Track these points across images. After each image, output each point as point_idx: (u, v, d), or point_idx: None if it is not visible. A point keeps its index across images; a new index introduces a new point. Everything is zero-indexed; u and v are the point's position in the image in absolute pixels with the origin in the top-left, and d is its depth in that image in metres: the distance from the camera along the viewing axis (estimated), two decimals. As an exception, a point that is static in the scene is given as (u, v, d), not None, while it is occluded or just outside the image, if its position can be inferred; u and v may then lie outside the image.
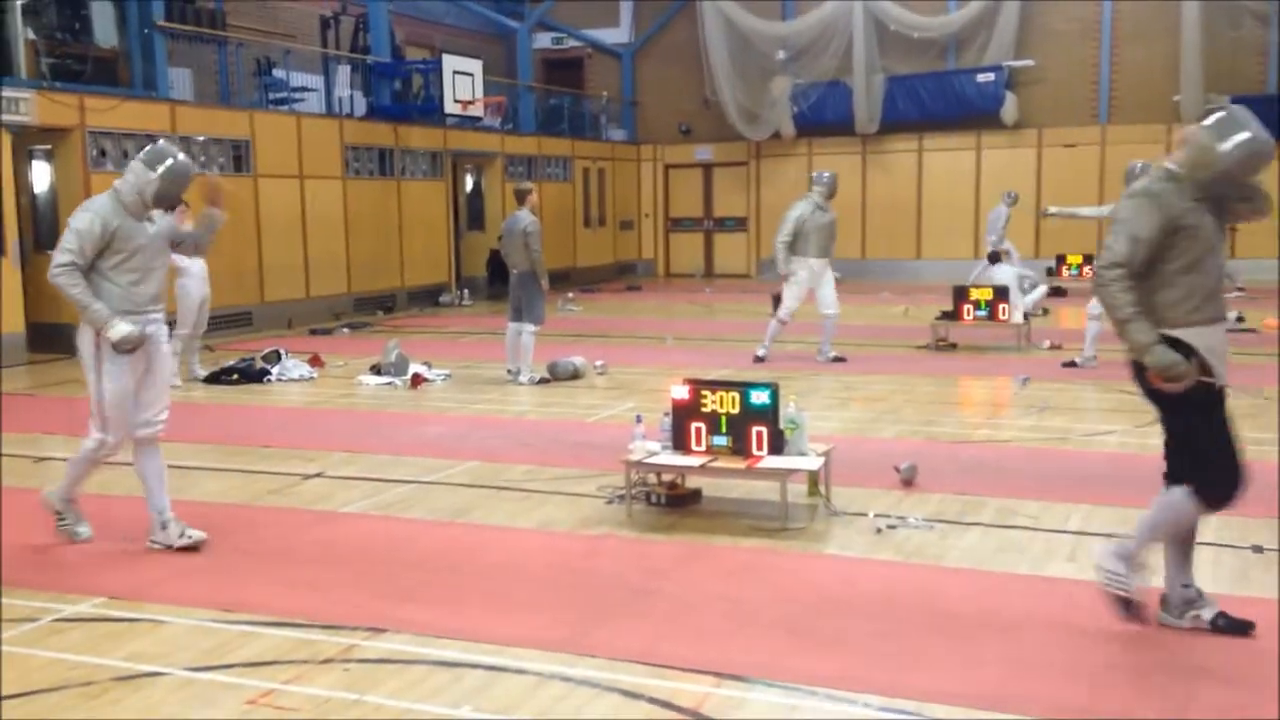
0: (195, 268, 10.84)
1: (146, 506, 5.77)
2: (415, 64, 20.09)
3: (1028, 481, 6.89)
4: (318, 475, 7.42)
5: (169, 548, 5.70)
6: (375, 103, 18.75)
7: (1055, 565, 5.35)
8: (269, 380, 11.35)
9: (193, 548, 5.71)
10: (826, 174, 11.87)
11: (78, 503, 5.94)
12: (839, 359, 11.80)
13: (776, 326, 11.89)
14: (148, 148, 5.72)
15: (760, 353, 11.90)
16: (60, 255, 5.43)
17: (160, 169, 5.54)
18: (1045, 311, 15.75)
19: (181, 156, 5.69)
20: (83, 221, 5.47)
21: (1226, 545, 5.56)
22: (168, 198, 5.63)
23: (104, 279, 5.51)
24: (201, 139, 15.06)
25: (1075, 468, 7.27)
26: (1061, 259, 19.03)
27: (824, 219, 11.51)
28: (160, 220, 5.76)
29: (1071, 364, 11.24)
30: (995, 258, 15.61)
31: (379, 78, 18.86)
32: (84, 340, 5.59)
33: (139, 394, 5.67)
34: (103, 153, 13.80)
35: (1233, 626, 4.38)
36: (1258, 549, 5.45)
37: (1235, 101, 17.36)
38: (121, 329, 5.45)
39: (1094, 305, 11.19)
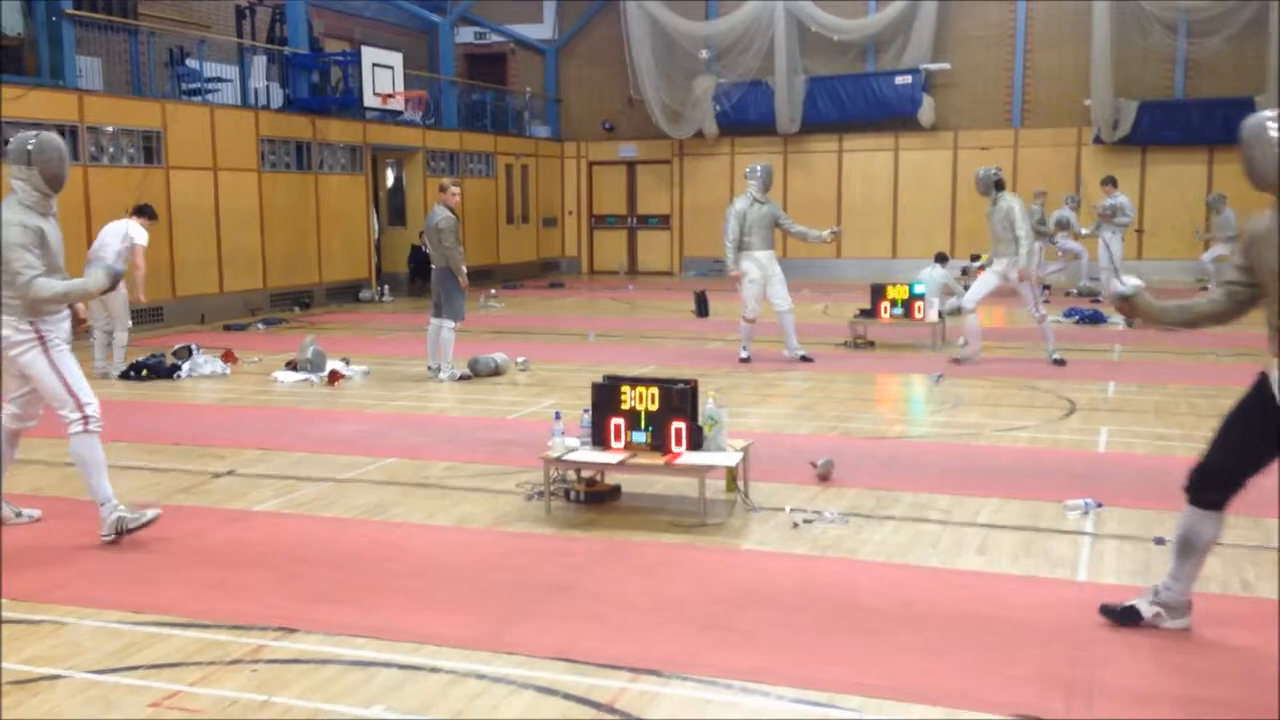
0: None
1: None
2: (334, 56, 19.79)
3: (940, 476, 7.01)
4: (229, 473, 7.27)
5: None
6: (292, 95, 18.42)
7: (966, 558, 5.45)
8: (180, 376, 11.10)
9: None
10: (759, 166, 11.67)
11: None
12: (806, 358, 11.69)
13: (747, 328, 11.80)
14: (9, 149, 5.72)
15: (743, 355, 11.82)
16: (21, 275, 5.45)
17: (32, 159, 5.58)
18: (959, 310, 16.01)
19: (41, 135, 5.71)
20: (15, 234, 5.49)
21: (1129, 537, 5.71)
22: (58, 177, 5.66)
23: None
24: (111, 130, 14.67)
25: (987, 463, 7.41)
26: (976, 258, 19.36)
27: (762, 211, 11.41)
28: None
29: (956, 361, 11.47)
30: (942, 258, 15.85)
31: (296, 70, 18.54)
32: (20, 337, 5.59)
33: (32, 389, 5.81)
34: (7, 143, 13.33)
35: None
36: (1160, 541, 5.60)
37: (1143, 106, 17.92)
38: (100, 278, 5.67)
39: (967, 299, 11.51)
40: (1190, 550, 4.37)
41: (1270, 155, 4.01)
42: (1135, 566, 5.30)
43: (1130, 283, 4.52)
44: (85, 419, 5.64)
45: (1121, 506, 6.20)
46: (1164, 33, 21.09)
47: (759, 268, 11.46)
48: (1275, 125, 4.02)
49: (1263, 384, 4.22)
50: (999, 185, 11.14)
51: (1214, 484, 4.31)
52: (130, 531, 5.69)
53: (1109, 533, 5.80)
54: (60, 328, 5.74)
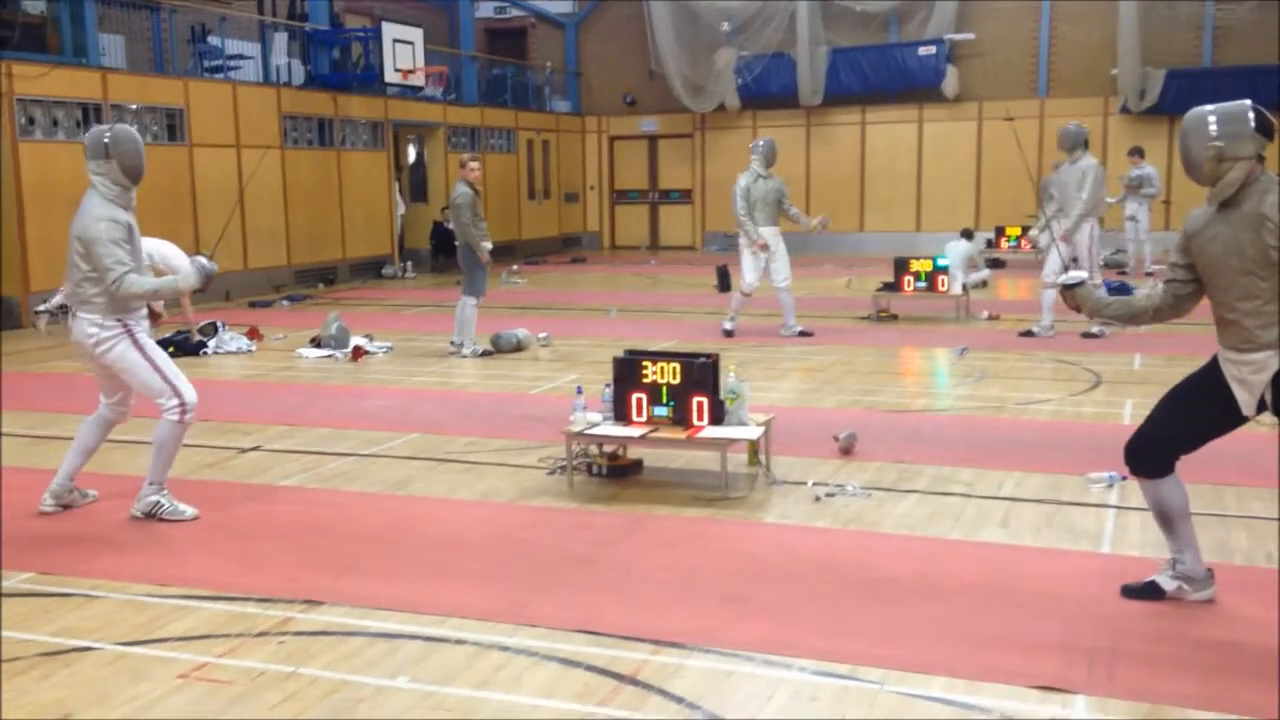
0: None
1: (64, 469, 5.89)
2: (354, 32, 19.78)
3: (963, 449, 6.98)
4: (255, 449, 7.33)
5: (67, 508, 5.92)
6: (314, 71, 18.44)
7: (988, 531, 5.44)
8: (206, 353, 11.19)
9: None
10: (762, 141, 11.58)
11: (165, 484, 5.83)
12: (805, 333, 11.64)
13: (739, 299, 11.79)
14: (86, 144, 5.59)
15: (727, 326, 11.81)
16: (112, 271, 5.39)
17: (110, 151, 5.49)
18: (984, 284, 15.93)
19: (116, 127, 5.65)
20: (104, 229, 5.42)
21: (1154, 510, 5.68)
22: (136, 169, 5.57)
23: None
24: (134, 107, 14.73)
25: (1009, 436, 7.38)
26: (1001, 231, 19.26)
27: (767, 186, 11.34)
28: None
29: (1028, 333, 11.35)
30: (969, 233, 15.84)
31: (317, 46, 18.55)
32: (107, 334, 5.55)
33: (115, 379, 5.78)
34: (31, 121, 13.45)
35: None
36: (1184, 513, 5.56)
37: (1171, 75, 17.64)
38: (191, 275, 5.58)
39: (1047, 272, 11.23)
40: (1169, 518, 4.41)
41: (1203, 148, 4.08)
42: (1159, 539, 5.22)
43: (1075, 274, 4.69)
44: (183, 408, 5.62)
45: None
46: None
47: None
48: (1214, 121, 4.09)
49: (1214, 366, 4.26)
50: (1086, 144, 11.03)
51: (1148, 456, 4.35)
52: (159, 519, 5.72)
53: (1133, 505, 5.77)
54: (143, 322, 5.72)
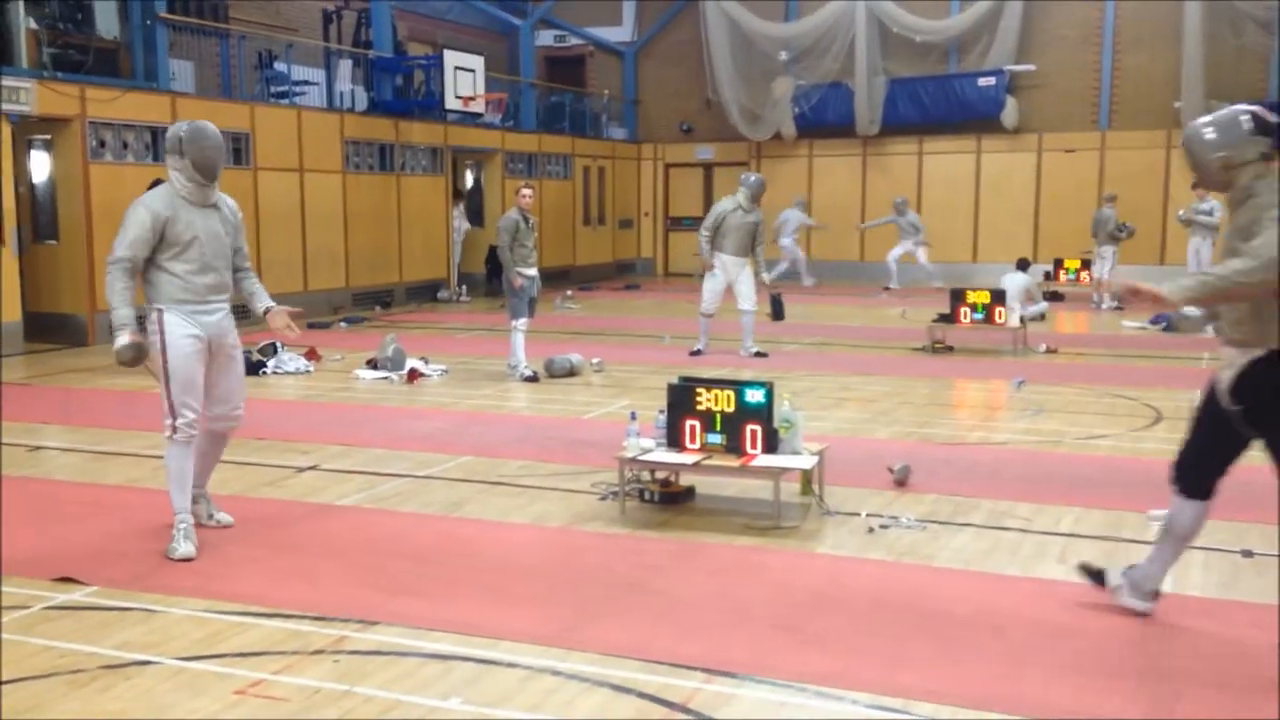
0: None
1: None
2: (417, 59, 20.08)
3: (1021, 484, 6.90)
4: (312, 468, 7.42)
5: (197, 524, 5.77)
6: (376, 97, 18.74)
7: (1046, 567, 5.37)
8: (265, 373, 11.35)
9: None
10: (753, 177, 12.26)
11: (199, 502, 5.88)
12: (760, 354, 12.04)
13: (703, 321, 12.35)
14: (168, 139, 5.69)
15: (697, 347, 12.38)
16: (112, 251, 5.48)
17: (186, 147, 5.57)
18: (1042, 317, 15.75)
19: (199, 124, 5.70)
20: (136, 215, 5.49)
21: (1216, 549, 5.57)
22: (209, 166, 5.66)
23: (159, 270, 5.56)
24: (202, 131, 15.03)
25: (1068, 471, 7.28)
26: (1059, 264, 19.06)
27: (744, 219, 11.93)
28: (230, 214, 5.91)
29: None
30: (1025, 264, 15.72)
31: (380, 72, 18.85)
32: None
33: (218, 386, 5.83)
34: (102, 143, 13.79)
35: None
36: (1247, 553, 5.46)
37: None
38: (121, 340, 5.43)
39: None
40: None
41: (1207, 158, 4.26)
42: (1222, 579, 5.17)
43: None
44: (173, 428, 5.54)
45: (1209, 518, 6.03)
46: (1258, 32, 20.48)
47: (723, 269, 12.05)
48: (1211, 130, 4.26)
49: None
50: None
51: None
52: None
53: (1195, 545, 5.65)
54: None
